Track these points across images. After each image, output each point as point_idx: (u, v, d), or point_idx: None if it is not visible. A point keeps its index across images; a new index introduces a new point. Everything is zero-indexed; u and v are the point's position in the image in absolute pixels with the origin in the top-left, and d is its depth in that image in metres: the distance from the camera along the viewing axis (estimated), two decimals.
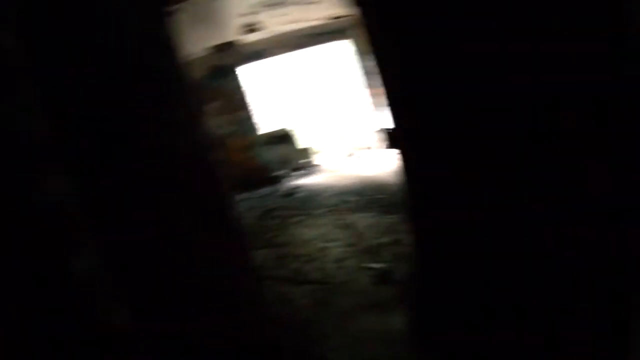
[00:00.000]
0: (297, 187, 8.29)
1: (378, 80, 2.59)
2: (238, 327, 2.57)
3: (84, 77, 2.27)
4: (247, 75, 9.72)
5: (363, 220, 5.55)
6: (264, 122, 9.72)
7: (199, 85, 9.54)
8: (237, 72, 9.56)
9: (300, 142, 9.82)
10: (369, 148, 10.63)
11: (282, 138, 9.77)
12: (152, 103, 2.40)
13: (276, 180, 9.41)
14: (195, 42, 7.86)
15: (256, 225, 6.65)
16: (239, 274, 2.73)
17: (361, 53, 9.49)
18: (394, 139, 2.78)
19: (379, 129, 9.65)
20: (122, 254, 2.29)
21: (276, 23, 8.01)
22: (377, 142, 9.85)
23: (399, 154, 2.78)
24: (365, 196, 6.57)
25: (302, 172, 9.59)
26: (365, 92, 9.89)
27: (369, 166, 9.13)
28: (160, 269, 2.41)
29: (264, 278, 4.75)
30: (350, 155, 10.14)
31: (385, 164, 8.53)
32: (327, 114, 13.89)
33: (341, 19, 8.86)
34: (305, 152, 9.80)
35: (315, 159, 9.95)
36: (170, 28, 2.51)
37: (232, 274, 2.65)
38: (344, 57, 10.42)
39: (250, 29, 7.73)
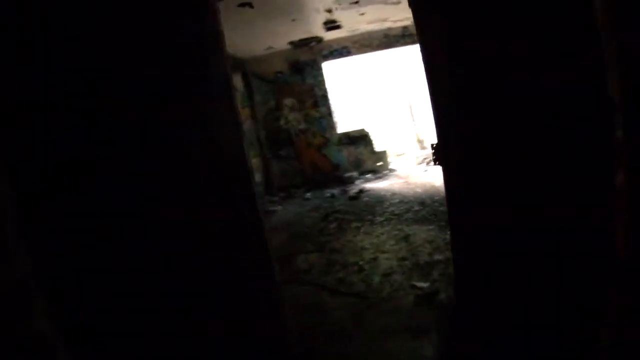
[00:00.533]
0: (365, 191, 8.04)
1: None
2: (253, 337, 2.51)
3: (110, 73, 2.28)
4: (327, 72, 9.57)
5: (421, 233, 5.21)
6: (341, 121, 9.50)
7: (276, 80, 9.52)
8: (316, 69, 9.47)
9: (376, 145, 9.52)
10: None
11: (358, 139, 9.52)
12: (189, 101, 2.36)
13: (346, 181, 9.20)
14: (276, 37, 7.81)
15: (316, 227, 6.50)
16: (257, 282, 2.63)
17: None
18: (438, 155, 2.56)
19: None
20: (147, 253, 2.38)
21: (355, 22, 7.79)
22: None
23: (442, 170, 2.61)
24: (429, 207, 6.21)
25: (373, 175, 9.30)
26: None
27: (440, 176, 8.63)
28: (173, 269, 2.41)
29: (307, 283, 4.61)
30: (423, 163, 9.73)
31: None
32: (405, 118, 13.48)
33: None
34: (379, 156, 9.49)
35: (388, 164, 9.61)
36: (215, 24, 2.44)
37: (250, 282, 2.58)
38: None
39: (331, 26, 7.55)
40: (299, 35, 8.04)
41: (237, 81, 9.03)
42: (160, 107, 2.37)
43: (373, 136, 9.61)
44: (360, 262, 4.74)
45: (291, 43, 8.62)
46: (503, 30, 2.09)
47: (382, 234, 5.52)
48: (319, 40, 8.69)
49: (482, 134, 2.23)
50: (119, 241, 2.31)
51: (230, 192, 2.47)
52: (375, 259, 4.76)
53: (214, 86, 2.38)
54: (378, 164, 9.56)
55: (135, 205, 2.35)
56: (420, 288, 3.84)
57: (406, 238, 5.15)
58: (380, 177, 9.08)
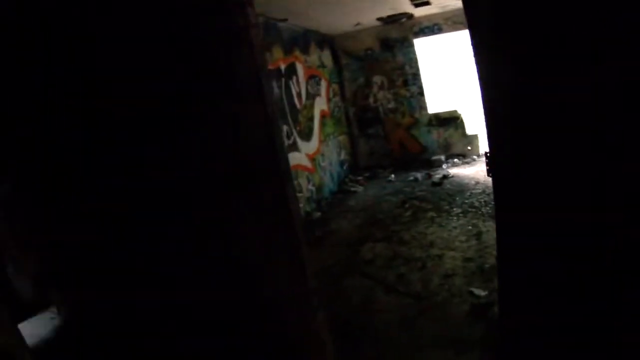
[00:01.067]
0: (449, 177, 7.69)
1: None
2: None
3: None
4: (419, 50, 9.12)
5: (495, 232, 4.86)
6: (432, 102, 9.05)
7: (366, 57, 9.28)
8: (407, 46, 9.08)
9: (467, 128, 9.00)
10: None
11: (448, 121, 9.04)
12: (214, 101, 2.35)
13: (432, 164, 8.82)
14: (364, 13, 7.55)
15: (391, 214, 6.35)
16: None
17: None
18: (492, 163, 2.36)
19: None
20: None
21: None
22: None
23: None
24: None
25: (460, 160, 8.88)
26: None
27: None
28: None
29: (366, 276, 4.49)
30: None
31: None
32: None
33: None
34: (469, 140, 8.93)
35: (478, 149, 9.05)
36: (241, 19, 2.35)
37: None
38: None
39: (419, 2, 7.13)
40: (387, 11, 7.73)
41: (326, 57, 8.94)
42: (184, 108, 2.36)
43: (465, 119, 9.10)
44: (425, 259, 4.55)
45: (380, 19, 8.32)
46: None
47: (455, 227, 5.26)
48: (409, 16, 8.31)
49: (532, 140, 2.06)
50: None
51: (260, 196, 2.40)
52: (440, 256, 4.56)
53: (242, 85, 2.29)
54: (467, 148, 9.06)
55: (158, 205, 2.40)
56: (477, 296, 3.61)
57: (478, 235, 4.86)
58: (467, 163, 8.63)
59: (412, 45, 9.03)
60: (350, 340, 3.35)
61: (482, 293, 3.62)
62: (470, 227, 5.14)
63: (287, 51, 6.97)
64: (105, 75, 2.41)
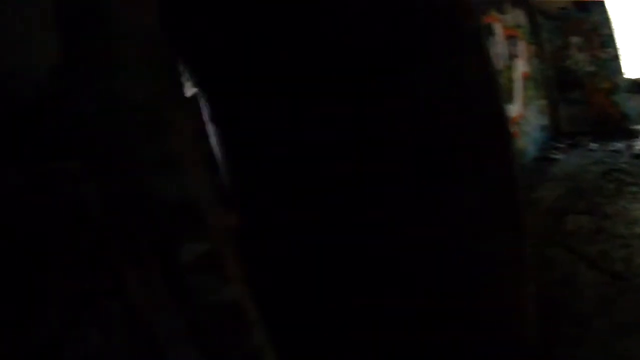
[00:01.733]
0: None
1: None
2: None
3: None
4: (617, 9, 8.52)
5: None
6: (633, 65, 8.62)
7: (561, 17, 9.10)
8: (604, 5, 8.54)
9: None
10: None
11: None
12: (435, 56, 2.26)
13: (632, 134, 8.33)
14: None
15: (593, 184, 6.50)
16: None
17: None
18: None
19: None
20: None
21: None
22: None
23: None
24: None
25: None
26: None
27: None
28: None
29: (569, 250, 4.82)
30: None
31: None
32: None
33: None
34: None
35: None
36: None
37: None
38: None
39: None
40: None
41: (522, 17, 8.92)
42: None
43: None
44: (629, 237, 4.72)
45: None
46: None
47: None
48: None
49: None
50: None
51: (482, 153, 2.35)
52: None
53: (461, 37, 2.25)
54: None
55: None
56: None
57: None
58: None
59: (605, 4, 8.58)
60: (549, 316, 3.32)
61: None
62: None
63: (484, 11, 7.06)
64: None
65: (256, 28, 2.28)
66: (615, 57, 8.84)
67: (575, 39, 9.15)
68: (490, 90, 2.31)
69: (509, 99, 7.58)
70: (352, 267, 2.45)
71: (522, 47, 8.63)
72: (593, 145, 8.38)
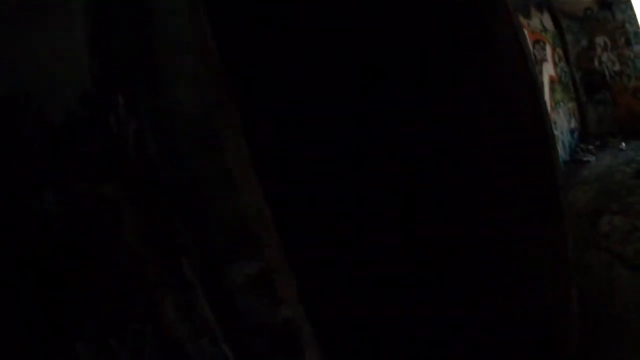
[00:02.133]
0: None
1: None
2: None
3: None
4: (637, 7, 8.48)
5: None
6: None
7: (585, 18, 9.13)
8: (624, 2, 8.56)
9: None
10: None
11: None
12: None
13: None
14: None
15: (625, 184, 6.52)
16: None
17: None
18: None
19: None
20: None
21: None
22: None
23: None
24: None
25: None
26: None
27: None
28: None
29: (605, 251, 4.92)
30: None
31: None
32: None
33: None
34: None
35: None
36: None
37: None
38: None
39: None
40: None
41: (547, 21, 9.06)
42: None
43: None
44: None
45: None
46: None
47: None
48: None
49: None
50: None
51: (525, 156, 2.36)
52: None
53: (502, 45, 2.25)
54: None
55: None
56: None
57: None
58: None
59: (630, 1, 8.61)
60: (587, 318, 3.11)
61: None
62: None
63: None
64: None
65: (302, 36, 2.36)
66: None
67: (600, 39, 9.17)
68: (532, 94, 2.31)
69: None
70: (397, 269, 2.50)
71: (549, 51, 8.77)
72: (623, 145, 8.37)
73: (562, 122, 8.57)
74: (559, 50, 9.20)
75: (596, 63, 9.30)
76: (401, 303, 2.49)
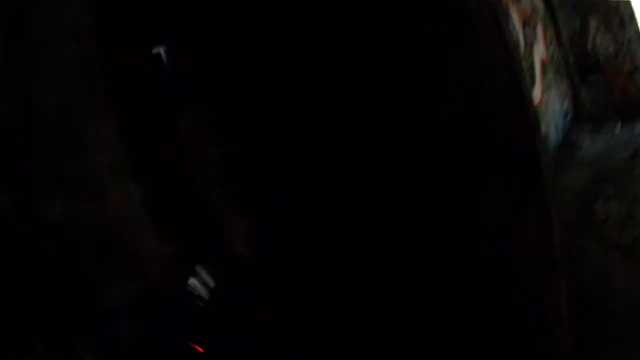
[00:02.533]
0: None
1: None
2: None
3: None
4: None
5: None
6: None
7: None
8: None
9: None
10: None
11: None
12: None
13: None
14: None
15: (620, 167, 6.41)
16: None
17: None
18: None
19: None
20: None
21: None
22: None
23: None
24: None
25: None
26: None
27: None
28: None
29: (599, 239, 4.78)
30: None
31: None
32: None
33: None
34: None
35: None
36: None
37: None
38: None
39: None
40: None
41: (536, 1, 8.68)
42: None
43: None
44: None
45: None
46: None
47: None
48: None
49: None
50: None
51: (508, 146, 2.31)
52: None
53: (479, 24, 2.17)
54: None
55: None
56: None
57: None
58: None
59: None
60: (581, 312, 3.11)
61: None
62: None
63: None
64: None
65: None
66: (636, 38, 8.69)
67: (593, 21, 9.00)
68: (512, 78, 2.22)
69: (530, 86, 7.42)
70: (384, 265, 2.47)
71: (539, 32, 8.51)
72: (617, 128, 8.24)
73: (555, 105, 8.39)
74: (550, 31, 8.92)
75: (589, 45, 9.11)
76: (382, 306, 2.47)
